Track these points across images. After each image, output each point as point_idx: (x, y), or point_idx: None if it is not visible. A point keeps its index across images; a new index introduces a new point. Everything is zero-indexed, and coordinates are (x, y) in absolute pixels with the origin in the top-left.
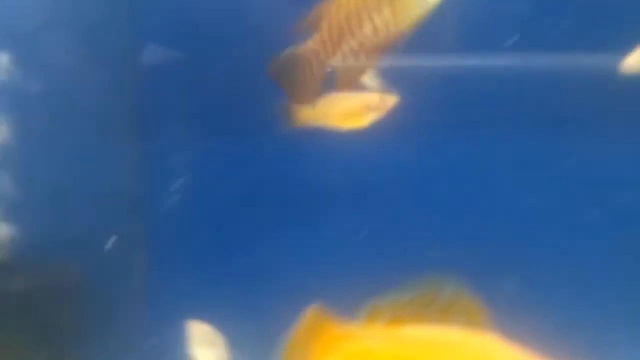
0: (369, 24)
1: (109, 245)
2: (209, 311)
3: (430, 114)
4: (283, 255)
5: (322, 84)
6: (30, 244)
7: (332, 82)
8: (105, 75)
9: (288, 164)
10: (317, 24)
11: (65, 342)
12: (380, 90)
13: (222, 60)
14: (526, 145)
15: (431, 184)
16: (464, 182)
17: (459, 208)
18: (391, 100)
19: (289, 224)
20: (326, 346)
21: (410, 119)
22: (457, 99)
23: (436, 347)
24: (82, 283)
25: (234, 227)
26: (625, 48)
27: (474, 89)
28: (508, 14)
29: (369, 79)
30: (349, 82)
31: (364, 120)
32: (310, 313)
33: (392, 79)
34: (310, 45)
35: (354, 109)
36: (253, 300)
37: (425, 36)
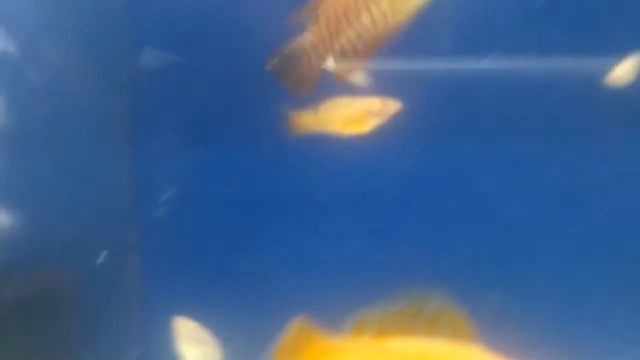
0: (367, 15)
1: (100, 259)
2: (203, 318)
3: (430, 119)
4: (279, 262)
5: (320, 76)
6: (21, 250)
7: (333, 88)
8: (99, 81)
9: (287, 170)
10: (315, 17)
11: (57, 349)
12: (373, 90)
13: (221, 65)
14: (521, 152)
15: (425, 192)
16: (458, 190)
17: (452, 217)
18: (393, 106)
19: (286, 231)
20: (312, 359)
21: (410, 125)
22: (456, 104)
23: (422, 359)
24: (74, 290)
25: (231, 234)
26: (618, 53)
27: (474, 94)
28: (506, 17)
29: (360, 78)
30: (347, 72)
31: (366, 126)
32: (296, 325)
33: (390, 84)
34: (308, 37)
35: (355, 114)
36: (248, 306)
37: (424, 40)
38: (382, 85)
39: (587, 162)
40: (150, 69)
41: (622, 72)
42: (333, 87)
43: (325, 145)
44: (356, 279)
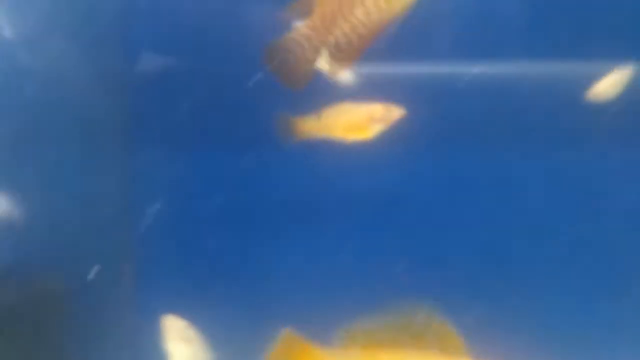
0: (361, 7)
1: (91, 275)
2: (196, 325)
3: (433, 126)
4: (274, 269)
5: (315, 68)
6: (14, 257)
7: (336, 95)
8: (91, 88)
9: (285, 176)
10: (309, 9)
11: (48, 356)
12: (370, 95)
13: (217, 71)
14: (518, 163)
15: (420, 202)
16: (457, 199)
17: (451, 225)
18: (396, 112)
19: (282, 239)
20: None
21: (411, 131)
22: (456, 110)
23: None
24: (66, 296)
25: (228, 240)
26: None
27: (473, 101)
28: (504, 23)
29: (346, 77)
30: (342, 65)
31: (369, 132)
32: (285, 337)
33: (385, 88)
34: (303, 29)
35: (358, 120)
36: (240, 313)
37: (417, 44)
38: (375, 89)
39: (586, 172)
40: (144, 75)
41: (605, 86)
42: (336, 92)
43: (322, 151)
44: (350, 288)
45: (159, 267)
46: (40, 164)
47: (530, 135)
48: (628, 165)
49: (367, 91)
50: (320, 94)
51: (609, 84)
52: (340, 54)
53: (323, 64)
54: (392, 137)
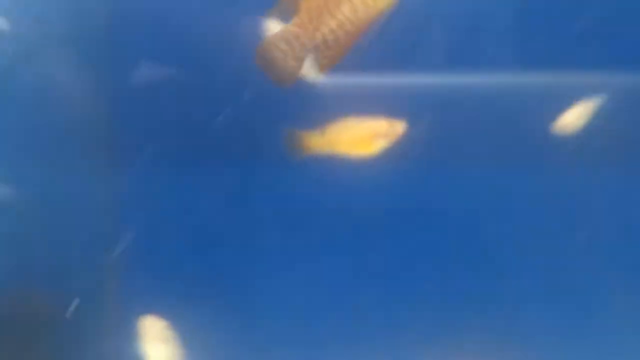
0: (347, 3)
1: (71, 308)
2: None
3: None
4: (273, 286)
5: (303, 65)
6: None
7: (341, 109)
8: (78, 102)
9: (285, 191)
10: (296, 7)
11: None
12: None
13: (214, 83)
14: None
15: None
16: (459, 217)
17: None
18: (400, 127)
19: (282, 255)
20: None
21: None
22: (456, 123)
23: None
24: (52, 311)
25: (224, 256)
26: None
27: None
28: (500, 33)
29: (313, 73)
30: (330, 62)
31: (373, 148)
32: None
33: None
34: (290, 28)
35: (363, 136)
36: (234, 332)
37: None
38: (373, 101)
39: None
40: (133, 89)
41: (572, 118)
42: (340, 107)
43: (314, 167)
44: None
45: (147, 284)
46: (24, 179)
47: (525, 146)
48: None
49: (363, 103)
50: (323, 109)
51: (575, 115)
52: (328, 51)
53: (306, 69)
54: (393, 151)
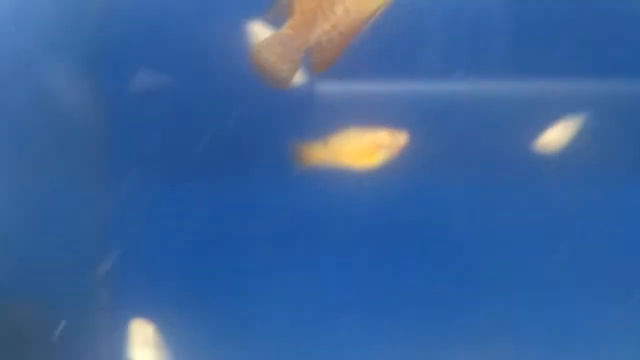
0: (340, 4)
1: (59, 330)
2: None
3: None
4: (265, 293)
5: (299, 67)
6: None
7: (343, 118)
8: (72, 111)
9: (287, 201)
10: (290, 10)
11: None
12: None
13: (212, 92)
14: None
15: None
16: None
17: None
18: (401, 139)
19: (278, 263)
20: None
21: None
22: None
23: None
24: (42, 323)
25: (218, 262)
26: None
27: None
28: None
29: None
30: (324, 64)
31: (375, 159)
32: None
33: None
34: (284, 31)
35: (365, 147)
36: (223, 338)
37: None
38: (372, 109)
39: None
40: (131, 95)
41: (553, 136)
42: (342, 118)
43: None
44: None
45: (139, 296)
46: (15, 186)
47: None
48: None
49: (364, 112)
50: (324, 120)
51: (556, 134)
52: (323, 53)
53: (302, 71)
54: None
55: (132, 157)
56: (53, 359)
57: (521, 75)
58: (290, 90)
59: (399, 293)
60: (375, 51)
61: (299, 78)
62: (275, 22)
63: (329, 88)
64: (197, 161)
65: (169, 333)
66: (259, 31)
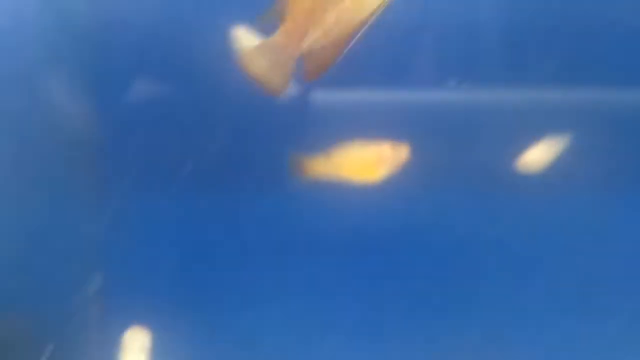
0: (332, 12)
1: (49, 348)
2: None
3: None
4: (265, 312)
5: (292, 74)
6: None
7: (345, 133)
8: (64, 123)
9: (287, 214)
10: (282, 16)
11: None
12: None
13: (215, 100)
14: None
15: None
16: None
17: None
18: (404, 152)
19: (276, 282)
20: None
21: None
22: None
23: None
24: (33, 340)
25: (214, 273)
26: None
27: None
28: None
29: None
30: (317, 71)
31: (378, 173)
32: None
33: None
34: (275, 38)
35: (367, 160)
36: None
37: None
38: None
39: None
40: (125, 107)
41: (535, 156)
42: (345, 131)
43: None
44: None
45: (132, 311)
46: (4, 201)
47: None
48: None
49: (365, 123)
50: (327, 132)
51: (538, 154)
52: (315, 60)
53: (294, 78)
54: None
55: (125, 169)
56: None
57: (515, 85)
58: (286, 101)
59: (399, 307)
60: (371, 60)
61: (291, 86)
62: (267, 29)
63: (322, 98)
64: (194, 173)
65: (162, 346)
66: (248, 38)
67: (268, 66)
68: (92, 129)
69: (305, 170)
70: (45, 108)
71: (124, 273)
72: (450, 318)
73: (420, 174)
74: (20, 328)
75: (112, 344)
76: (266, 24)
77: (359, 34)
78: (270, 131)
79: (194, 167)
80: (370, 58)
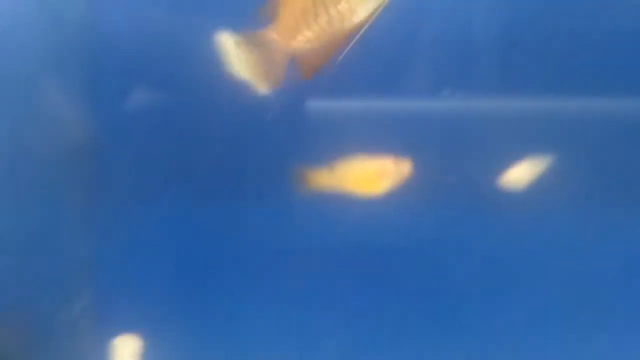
0: (325, 15)
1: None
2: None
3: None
4: (258, 314)
5: (284, 69)
6: None
7: (349, 145)
8: (57, 132)
9: (288, 226)
10: (276, 13)
11: None
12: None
13: (216, 109)
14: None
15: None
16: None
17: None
18: (406, 168)
19: (274, 293)
20: None
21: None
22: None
23: None
24: (26, 345)
25: (210, 282)
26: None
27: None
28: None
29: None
30: (307, 71)
31: (380, 187)
32: None
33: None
34: (269, 33)
35: (369, 174)
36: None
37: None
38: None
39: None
40: (122, 114)
41: (517, 175)
42: (348, 143)
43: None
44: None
45: (124, 325)
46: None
47: None
48: None
49: (368, 134)
50: (330, 145)
51: (519, 173)
52: (305, 60)
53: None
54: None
55: (120, 176)
56: None
57: (509, 94)
58: (284, 112)
59: (397, 319)
60: (367, 70)
61: (282, 80)
62: (264, 21)
63: (320, 109)
64: (192, 183)
65: (154, 353)
66: (234, 43)
67: (258, 58)
68: (86, 138)
69: (308, 182)
70: (38, 116)
71: (116, 281)
72: (445, 330)
73: (422, 188)
74: (12, 337)
75: (104, 352)
76: (263, 18)
77: (350, 40)
78: (270, 142)
79: (192, 177)
80: (369, 68)
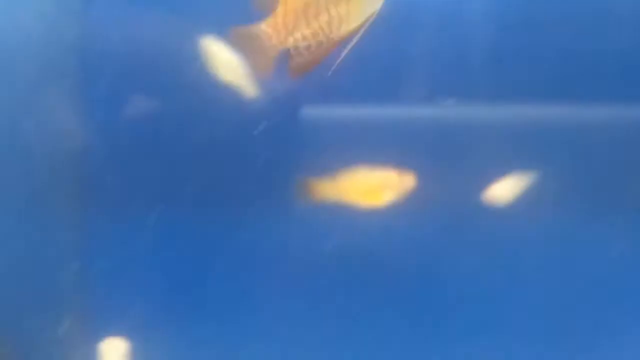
0: (325, 14)
1: None
2: None
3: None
4: (256, 319)
5: (274, 66)
6: None
7: (352, 157)
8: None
9: (288, 235)
10: (274, 8)
11: None
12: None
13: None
14: None
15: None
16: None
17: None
18: (409, 181)
19: (272, 301)
20: None
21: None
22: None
23: None
24: (15, 353)
25: (208, 289)
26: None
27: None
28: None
29: (250, 89)
30: (299, 70)
31: (382, 198)
32: None
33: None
34: (264, 27)
35: (372, 186)
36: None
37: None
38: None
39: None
40: (114, 121)
41: (501, 190)
42: (352, 155)
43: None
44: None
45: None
46: None
47: None
48: None
49: (370, 142)
50: (334, 156)
51: (505, 188)
52: (298, 58)
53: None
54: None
55: (112, 187)
56: None
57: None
58: (283, 121)
59: (398, 329)
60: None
61: (270, 77)
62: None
63: (318, 118)
64: (192, 193)
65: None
66: (219, 49)
67: (251, 50)
68: (78, 147)
69: (311, 192)
70: (30, 125)
71: (107, 291)
72: (442, 339)
73: (424, 198)
74: (3, 348)
75: (94, 355)
76: (261, 8)
77: (346, 43)
78: (267, 152)
79: (185, 186)
80: (367, 75)
